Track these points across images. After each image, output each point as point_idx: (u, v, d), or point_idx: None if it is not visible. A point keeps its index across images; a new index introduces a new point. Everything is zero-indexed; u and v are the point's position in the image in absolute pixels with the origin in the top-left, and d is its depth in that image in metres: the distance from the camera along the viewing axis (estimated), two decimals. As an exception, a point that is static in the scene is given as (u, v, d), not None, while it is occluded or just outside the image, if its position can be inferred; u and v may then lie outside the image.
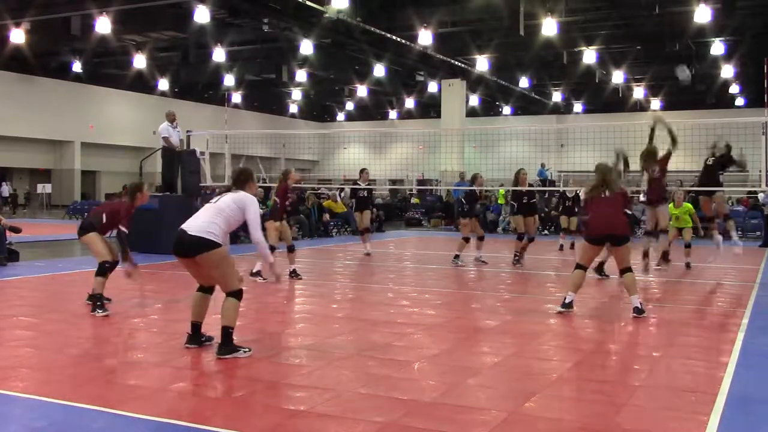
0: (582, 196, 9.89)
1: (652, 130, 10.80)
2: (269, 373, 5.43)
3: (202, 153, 15.64)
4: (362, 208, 14.75)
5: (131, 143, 38.67)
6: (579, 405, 4.89)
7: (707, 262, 13.79)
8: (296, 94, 39.80)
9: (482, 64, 27.51)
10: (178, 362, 5.76)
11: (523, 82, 32.62)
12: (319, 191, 24.30)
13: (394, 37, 23.89)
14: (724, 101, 36.02)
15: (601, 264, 10.86)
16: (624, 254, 7.90)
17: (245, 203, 5.90)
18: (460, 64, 28.75)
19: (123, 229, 7.75)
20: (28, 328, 7.06)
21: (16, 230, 12.78)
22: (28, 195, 36.43)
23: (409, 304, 8.84)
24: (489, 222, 22.27)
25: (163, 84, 34.32)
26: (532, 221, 13.11)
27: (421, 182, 36.99)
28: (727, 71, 28.47)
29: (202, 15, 20.18)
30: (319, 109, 48.57)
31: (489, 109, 42.26)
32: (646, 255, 11.11)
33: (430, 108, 40.93)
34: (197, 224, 5.75)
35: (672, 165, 10.99)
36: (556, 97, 37.59)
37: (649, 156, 10.72)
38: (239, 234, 15.00)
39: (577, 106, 40.94)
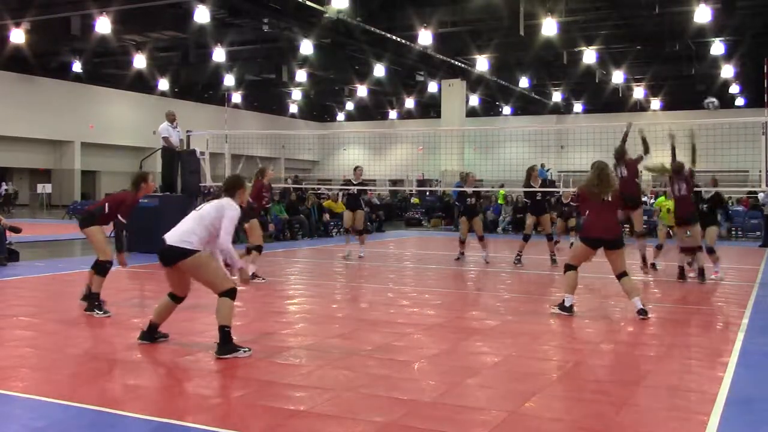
0: (576, 190, 9.82)
1: (674, 148, 10.92)
2: (269, 373, 5.42)
3: (202, 153, 15.66)
4: (353, 206, 14.04)
5: (131, 143, 38.64)
6: (579, 405, 4.88)
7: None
8: (296, 94, 39.77)
9: (482, 64, 27.52)
10: (177, 362, 5.76)
11: (523, 82, 32.63)
12: (319, 191, 24.29)
13: (394, 37, 23.89)
14: (724, 101, 35.96)
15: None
16: (619, 259, 7.83)
17: (224, 209, 5.97)
18: (460, 64, 28.76)
19: (122, 219, 7.75)
20: (28, 328, 7.05)
21: (16, 230, 12.77)
22: (16, 194, 35.94)
23: (409, 304, 8.84)
24: (489, 222, 22.27)
25: (163, 84, 34.33)
26: (546, 219, 13.13)
27: (421, 182, 37.00)
28: (727, 71, 28.48)
29: (202, 15, 20.21)
30: (319, 109, 48.55)
31: (489, 109, 42.26)
32: (644, 259, 11.18)
33: (430, 108, 40.94)
34: (176, 233, 5.88)
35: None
36: (556, 97, 37.60)
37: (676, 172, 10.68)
38: (239, 234, 14.96)
39: (577, 106, 40.94)
